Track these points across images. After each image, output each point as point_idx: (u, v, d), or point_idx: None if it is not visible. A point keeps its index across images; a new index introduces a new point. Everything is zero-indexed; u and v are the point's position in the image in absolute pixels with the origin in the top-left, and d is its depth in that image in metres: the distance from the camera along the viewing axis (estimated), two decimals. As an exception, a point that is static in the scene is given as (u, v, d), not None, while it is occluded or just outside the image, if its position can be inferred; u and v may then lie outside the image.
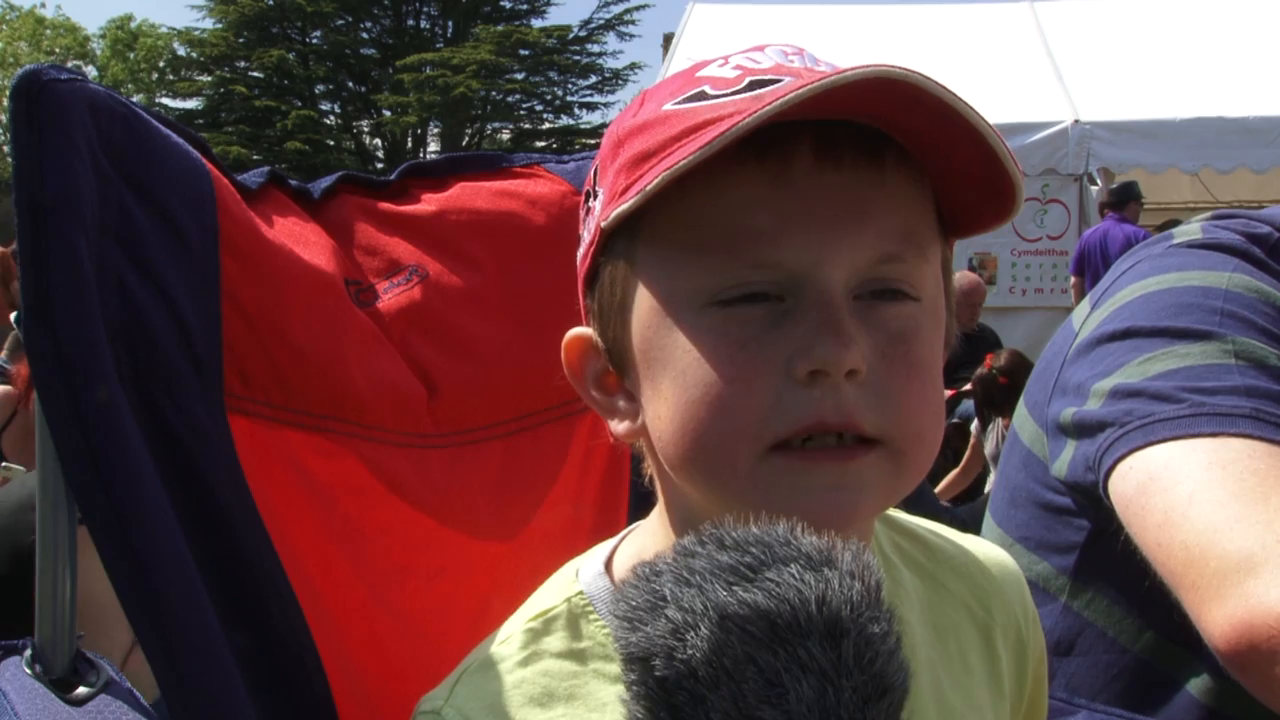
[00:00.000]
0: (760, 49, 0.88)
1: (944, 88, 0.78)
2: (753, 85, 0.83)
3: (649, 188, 0.81)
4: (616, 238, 0.88)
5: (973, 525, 1.43)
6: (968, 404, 7.46)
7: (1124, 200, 9.43)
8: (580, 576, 0.95)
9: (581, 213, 0.95)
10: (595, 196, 0.91)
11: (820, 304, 0.81)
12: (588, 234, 0.92)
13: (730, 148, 0.79)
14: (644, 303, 0.86)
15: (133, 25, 35.96)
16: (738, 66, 0.86)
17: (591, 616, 0.91)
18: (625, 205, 0.84)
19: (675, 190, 0.81)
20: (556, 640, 0.90)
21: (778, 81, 0.82)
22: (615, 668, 0.87)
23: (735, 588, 0.60)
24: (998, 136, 0.80)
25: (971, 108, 0.79)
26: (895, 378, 0.82)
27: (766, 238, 0.81)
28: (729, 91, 0.83)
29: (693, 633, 0.60)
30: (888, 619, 0.61)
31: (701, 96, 0.84)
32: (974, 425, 6.46)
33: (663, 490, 0.93)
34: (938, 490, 6.36)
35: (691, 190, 0.81)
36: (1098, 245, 9.14)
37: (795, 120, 0.80)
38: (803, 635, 0.59)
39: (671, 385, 0.84)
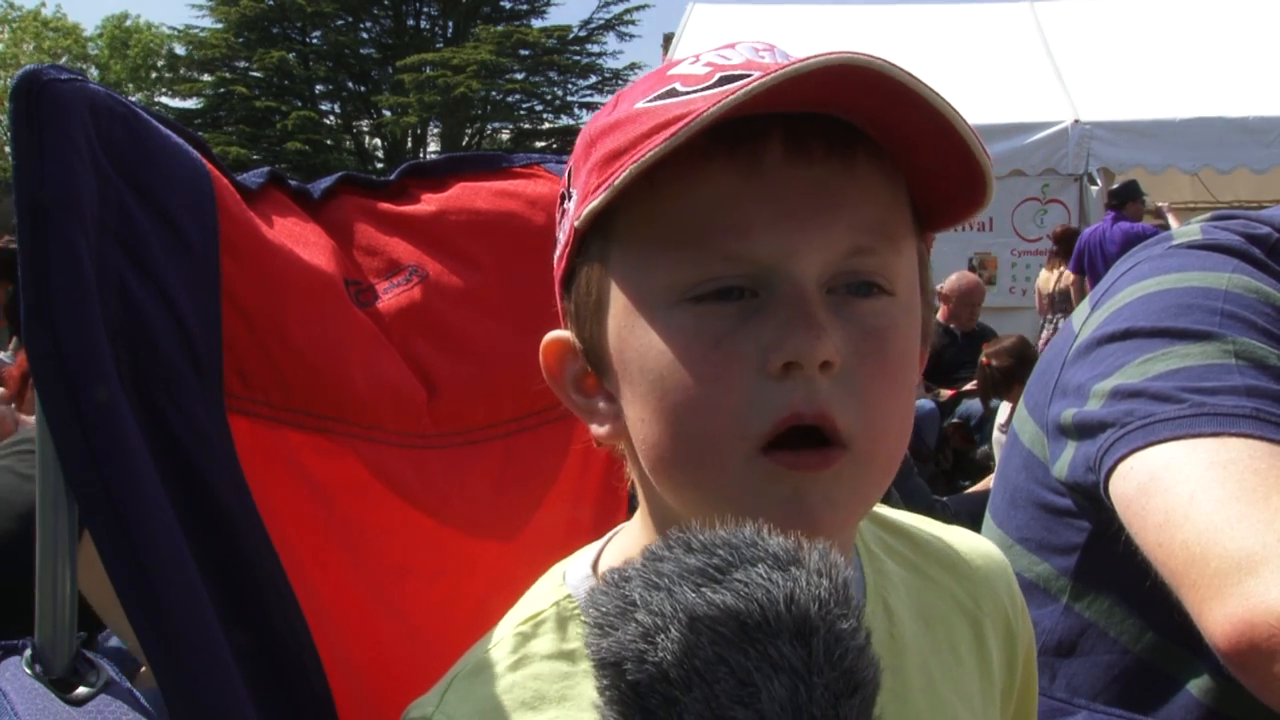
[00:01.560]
0: (731, 46, 0.88)
1: (906, 73, 0.77)
2: (722, 81, 0.82)
3: (616, 182, 0.80)
4: (591, 238, 0.87)
5: (963, 515, 1.44)
6: (968, 404, 7.49)
7: (1124, 200, 9.43)
8: (567, 579, 0.95)
9: (558, 215, 0.94)
10: (570, 198, 0.90)
11: (792, 297, 0.80)
12: (563, 235, 0.92)
13: (700, 142, 0.78)
14: (618, 302, 0.86)
15: (128, 24, 35.98)
16: (708, 64, 0.86)
17: (580, 618, 0.90)
18: (595, 203, 0.84)
19: (646, 187, 0.81)
20: (546, 643, 0.90)
21: (747, 76, 0.81)
22: None
23: (704, 589, 0.60)
24: (964, 122, 0.80)
25: (936, 93, 0.78)
26: (868, 374, 0.82)
27: (737, 231, 0.80)
28: (698, 88, 0.83)
29: (663, 635, 0.60)
30: (856, 615, 0.61)
31: (672, 94, 0.84)
32: (994, 440, 6.46)
33: (644, 492, 0.92)
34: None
35: (662, 186, 0.81)
36: (1097, 243, 9.14)
37: (766, 114, 0.80)
38: (772, 634, 0.59)
39: (650, 388, 0.83)
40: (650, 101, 0.84)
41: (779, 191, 0.81)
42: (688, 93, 0.83)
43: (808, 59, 0.77)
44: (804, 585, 0.60)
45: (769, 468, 0.80)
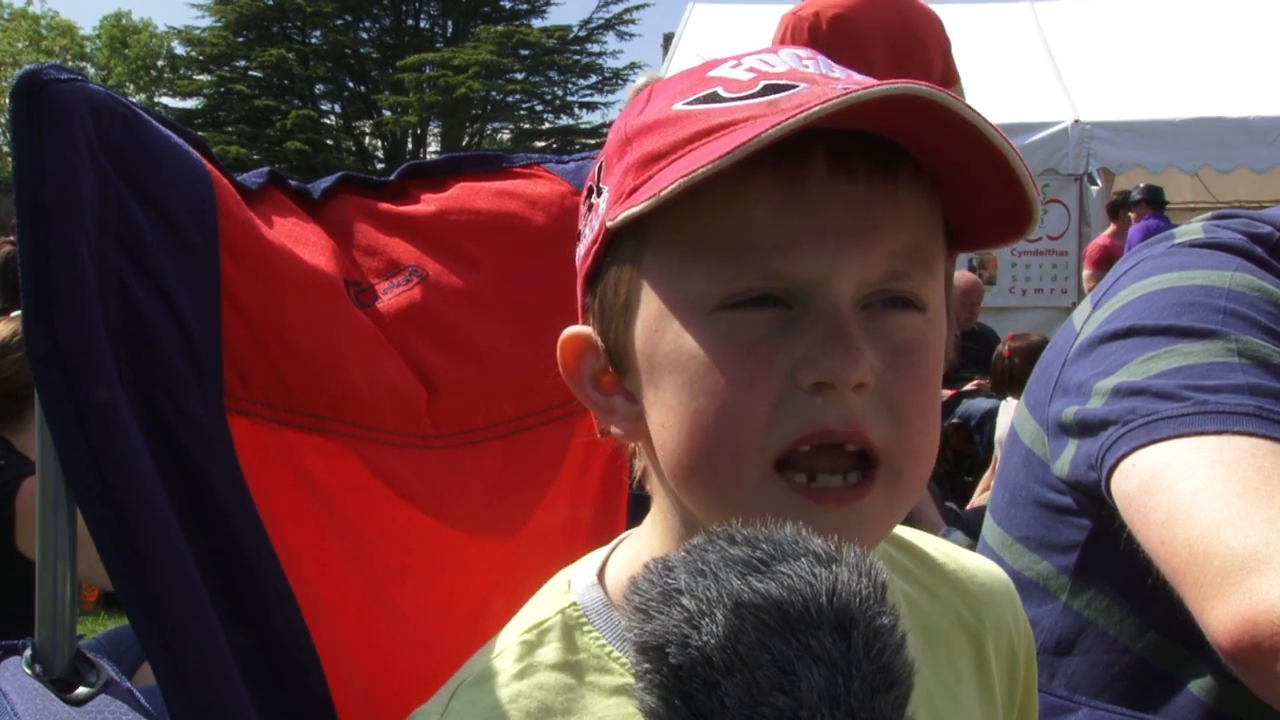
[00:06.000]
0: (774, 51, 0.87)
1: (968, 107, 0.77)
2: (767, 90, 0.81)
3: (664, 193, 0.79)
4: (622, 238, 0.86)
5: (977, 527, 1.44)
6: (968, 404, 7.48)
7: (1158, 201, 9.42)
8: (573, 587, 0.94)
9: (583, 208, 0.93)
10: (599, 194, 0.89)
11: (829, 315, 0.80)
12: (590, 232, 0.91)
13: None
14: (650, 306, 0.85)
15: (125, 23, 35.98)
16: (751, 69, 0.85)
17: (585, 628, 0.90)
18: (636, 208, 0.82)
19: (686, 194, 0.80)
20: (551, 652, 0.89)
21: (793, 87, 0.81)
22: (610, 680, 0.87)
23: (749, 578, 0.62)
24: (1019, 158, 0.80)
25: (994, 128, 0.78)
26: (901, 390, 0.82)
27: (778, 248, 0.80)
28: (743, 95, 0.82)
29: (707, 620, 0.61)
30: (893, 615, 0.62)
31: (714, 98, 0.83)
32: (997, 436, 6.44)
33: (658, 497, 0.92)
34: (973, 504, 6.33)
35: (702, 195, 0.80)
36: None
37: (809, 129, 0.79)
38: (814, 625, 0.60)
39: (678, 392, 0.83)
40: (690, 104, 0.83)
41: (820, 210, 0.80)
42: (731, 99, 0.82)
43: (867, 88, 0.76)
44: (845, 580, 0.62)
45: (789, 493, 0.80)
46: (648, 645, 0.62)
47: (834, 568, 0.62)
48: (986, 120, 0.77)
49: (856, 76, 0.85)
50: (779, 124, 0.75)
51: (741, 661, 0.59)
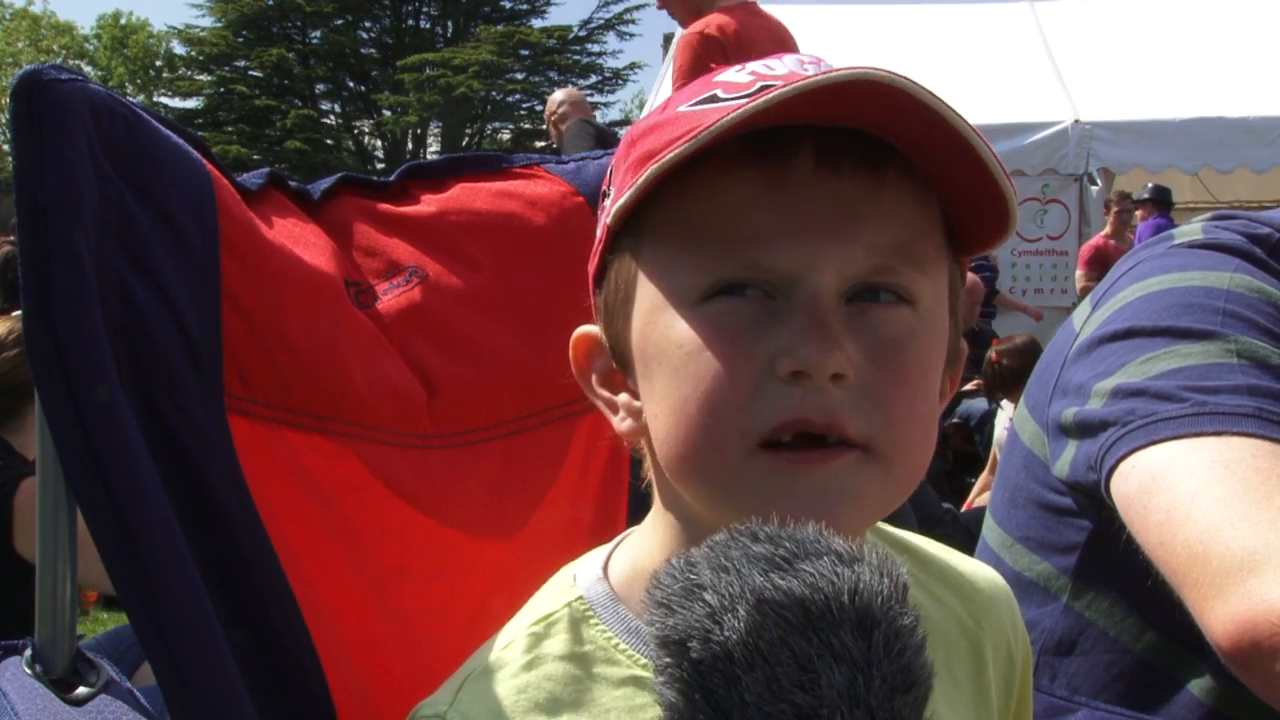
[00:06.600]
0: (778, 56, 0.89)
1: (932, 94, 0.78)
2: (763, 90, 0.83)
3: (638, 182, 0.83)
4: (623, 235, 0.89)
5: (975, 528, 1.44)
6: (968, 404, 7.49)
7: (1165, 202, 9.42)
8: (578, 581, 0.95)
9: (599, 212, 0.96)
10: (608, 196, 0.93)
11: (809, 307, 0.81)
12: (599, 231, 0.94)
13: (732, 149, 0.80)
14: (645, 299, 0.87)
15: (122, 22, 35.98)
16: (752, 72, 0.87)
17: (592, 620, 0.91)
18: (621, 201, 0.86)
19: (677, 189, 0.83)
20: (558, 644, 0.90)
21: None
22: (617, 671, 0.88)
23: (771, 575, 0.62)
24: (987, 146, 0.80)
25: (959, 115, 0.79)
26: (884, 383, 0.82)
27: (761, 240, 0.82)
28: (737, 95, 0.84)
29: (730, 615, 0.61)
30: (914, 615, 0.63)
31: (713, 100, 0.85)
32: (995, 439, 6.44)
33: (659, 493, 0.93)
34: (970, 504, 6.33)
35: (693, 189, 0.83)
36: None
37: (802, 125, 0.81)
38: (835, 624, 0.60)
39: (666, 382, 0.85)
40: (691, 106, 0.86)
41: (803, 203, 0.82)
42: (726, 99, 0.84)
43: (825, 74, 0.78)
44: (867, 580, 0.62)
45: (769, 463, 0.81)
46: (669, 639, 0.63)
47: (856, 567, 0.62)
48: (949, 106, 0.78)
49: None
50: (729, 115, 0.78)
51: (762, 658, 0.60)
